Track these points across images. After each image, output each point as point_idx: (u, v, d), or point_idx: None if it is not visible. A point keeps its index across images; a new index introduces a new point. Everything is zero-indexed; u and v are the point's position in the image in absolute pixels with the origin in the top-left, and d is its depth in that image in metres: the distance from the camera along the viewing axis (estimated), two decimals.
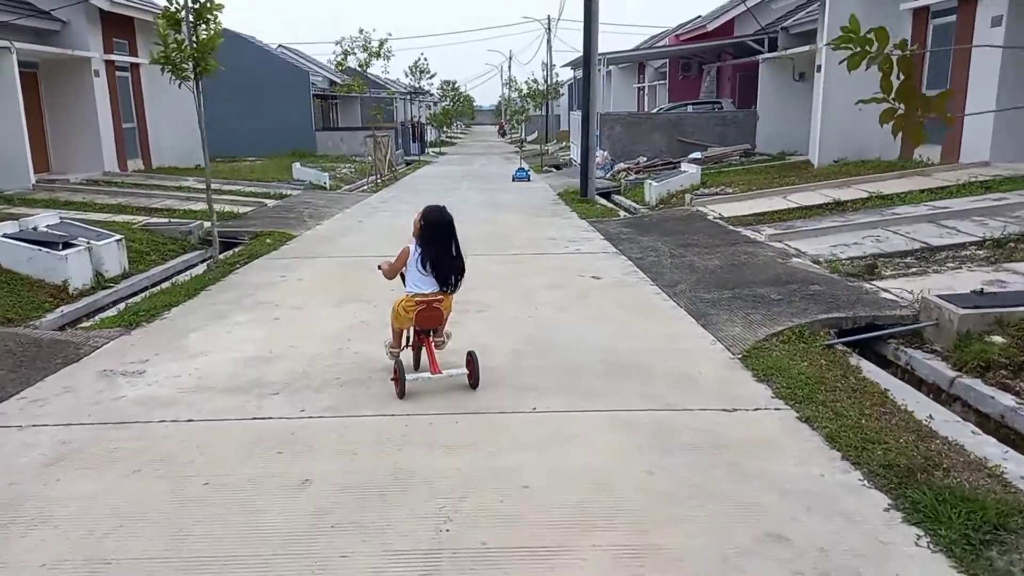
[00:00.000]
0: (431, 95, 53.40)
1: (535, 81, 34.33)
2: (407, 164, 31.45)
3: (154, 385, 4.90)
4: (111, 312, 7.48)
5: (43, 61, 17.15)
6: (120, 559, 2.95)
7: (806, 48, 18.88)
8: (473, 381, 4.74)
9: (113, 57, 18.14)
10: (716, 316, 6.25)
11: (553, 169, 28.53)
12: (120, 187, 16.61)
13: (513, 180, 22.08)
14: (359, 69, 21.08)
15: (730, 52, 25.91)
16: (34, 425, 4.26)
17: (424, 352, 4.94)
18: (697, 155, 21.32)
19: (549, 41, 53.23)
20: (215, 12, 8.21)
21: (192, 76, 8.50)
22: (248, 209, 14.83)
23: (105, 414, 4.40)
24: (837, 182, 12.44)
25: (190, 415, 4.36)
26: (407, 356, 5.05)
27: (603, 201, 16.72)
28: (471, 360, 4.76)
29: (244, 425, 4.21)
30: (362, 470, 3.69)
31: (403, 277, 4.97)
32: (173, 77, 8.56)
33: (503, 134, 69.33)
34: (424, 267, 4.77)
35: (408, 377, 4.65)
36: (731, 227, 10.37)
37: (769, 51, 22.22)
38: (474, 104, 76.11)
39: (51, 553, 2.99)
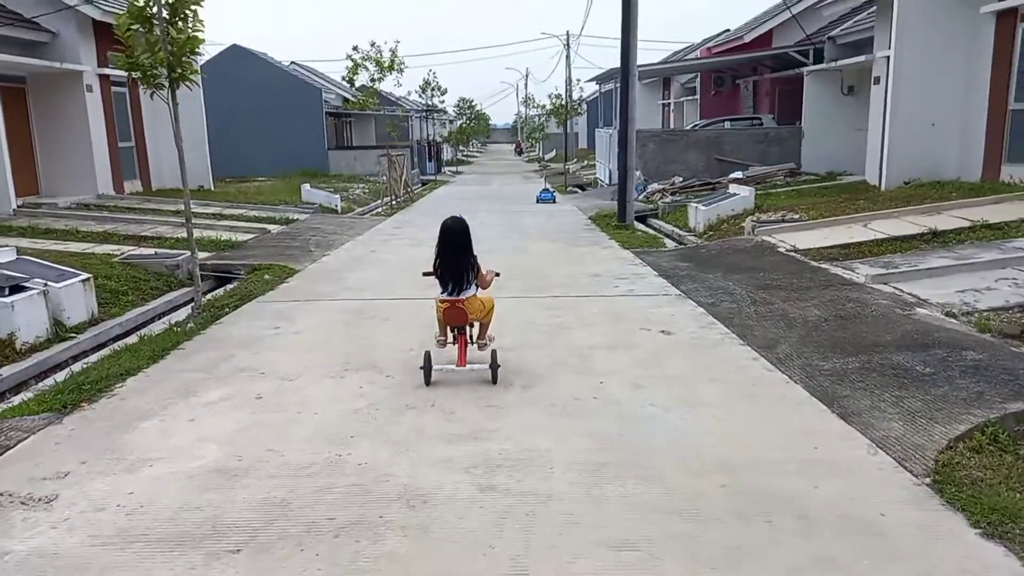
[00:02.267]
0: (446, 113, 52.16)
1: (559, 96, 32.75)
2: (423, 184, 30.01)
3: (61, 527, 3.28)
4: (58, 378, 5.91)
5: (32, 75, 15.81)
6: None
7: (861, 58, 17.22)
8: (493, 376, 5.14)
9: (108, 71, 16.79)
10: (853, 400, 4.56)
11: (578, 190, 26.94)
12: (112, 211, 15.18)
13: (537, 202, 20.50)
14: (371, 84, 19.65)
15: (768, 65, 24.29)
16: None
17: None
18: (738, 175, 19.68)
19: (568, 57, 51.83)
20: (193, 7, 6.69)
21: (166, 85, 6.97)
22: (249, 237, 13.32)
23: None
24: (922, 208, 10.73)
25: None
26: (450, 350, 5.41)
27: (642, 227, 15.07)
28: (493, 357, 5.19)
29: None
30: None
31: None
32: (144, 87, 7.04)
33: (520, 153, 68.06)
34: (441, 274, 5.27)
35: (435, 367, 5.18)
36: (814, 263, 8.68)
37: (815, 63, 20.58)
38: (489, 123, 74.94)
39: None
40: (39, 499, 3.55)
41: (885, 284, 7.36)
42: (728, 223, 12.96)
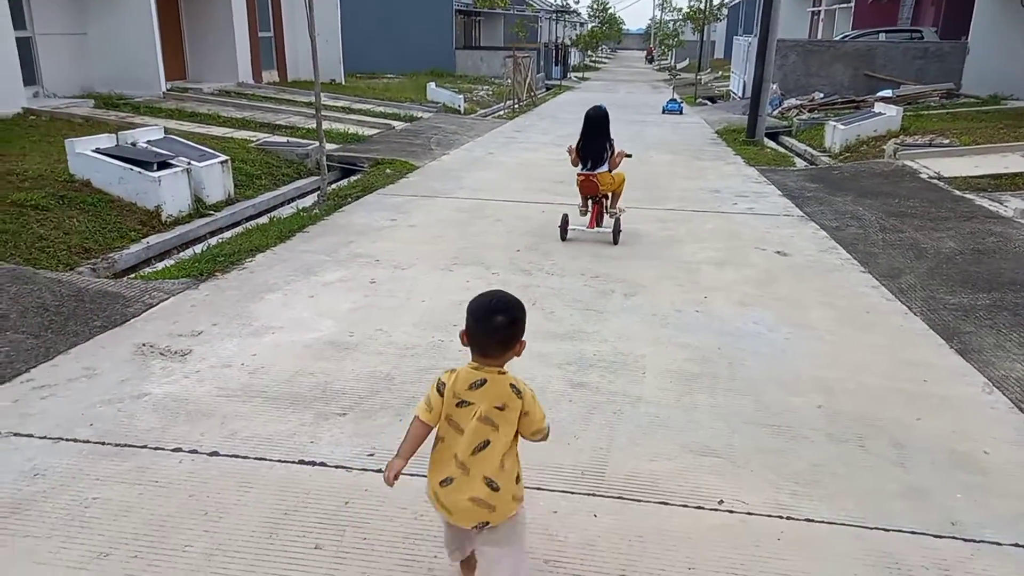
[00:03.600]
0: (578, 14, 50.39)
1: None
2: (547, 89, 29.48)
3: (193, 377, 3.67)
4: (196, 249, 6.43)
5: None
6: None
7: None
8: (615, 238, 6.31)
9: None
10: (977, 337, 4.29)
11: (708, 102, 25.72)
12: (250, 99, 15.90)
13: (663, 112, 19.78)
14: None
15: None
16: (15, 435, 3.11)
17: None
18: (887, 92, 18.13)
19: None
20: None
21: None
22: (374, 132, 13.67)
23: (108, 427, 3.19)
24: None
25: (216, 445, 3.07)
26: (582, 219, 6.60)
27: (772, 144, 14.29)
28: (616, 223, 6.35)
29: (282, 477, 2.87)
30: None
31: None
32: None
33: (651, 60, 65.29)
34: (589, 153, 6.28)
35: (569, 227, 6.43)
36: (957, 192, 8.02)
37: None
38: (622, 27, 71.87)
39: None
40: (175, 352, 3.96)
41: None
42: (868, 145, 12.07)
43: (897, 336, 4.39)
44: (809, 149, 13.31)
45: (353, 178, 10.09)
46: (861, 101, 18.19)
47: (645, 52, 73.08)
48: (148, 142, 8.19)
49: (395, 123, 14.98)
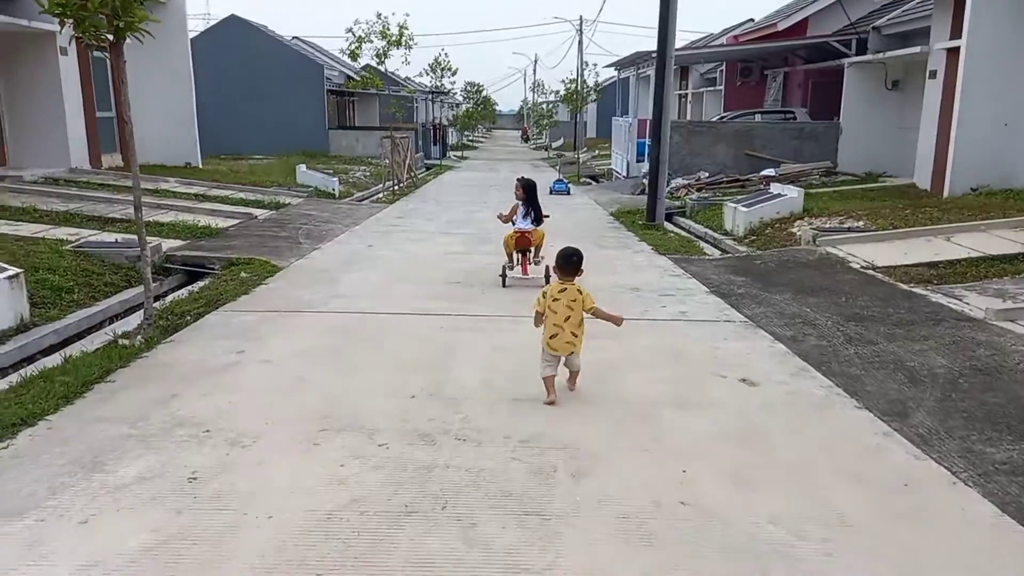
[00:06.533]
0: (454, 95, 50.34)
1: (573, 81, 31.06)
2: (427, 169, 28.40)
3: None
4: None
5: None
6: None
7: (915, 50, 15.64)
8: (546, 279, 7.23)
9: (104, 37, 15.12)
10: None
11: (592, 181, 25.37)
12: (82, 188, 13.61)
13: (551, 193, 18.92)
14: (377, 59, 17.99)
15: (801, 56, 22.65)
16: None
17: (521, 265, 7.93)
18: (770, 171, 18.13)
19: (580, 43, 50.11)
20: None
21: (110, 38, 5.42)
22: (232, 223, 11.77)
23: None
24: (1013, 221, 9.19)
25: None
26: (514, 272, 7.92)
27: (673, 228, 13.51)
28: (546, 269, 7.46)
29: None
30: None
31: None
32: (79, 37, 5.48)
33: (526, 139, 66.37)
34: (526, 213, 7.90)
35: (508, 274, 7.80)
36: (903, 286, 7.17)
37: (858, 54, 18.95)
38: (495, 108, 73.17)
39: None
40: None
41: (1013, 322, 5.84)
42: (773, 228, 11.42)
43: (967, 534, 3.08)
44: (710, 232, 12.58)
45: (198, 285, 8.18)
46: (746, 180, 18.08)
47: (520, 132, 74.54)
48: None
49: (258, 211, 13.13)
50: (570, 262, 4.55)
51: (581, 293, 4.47)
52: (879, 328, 5.87)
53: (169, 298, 7.69)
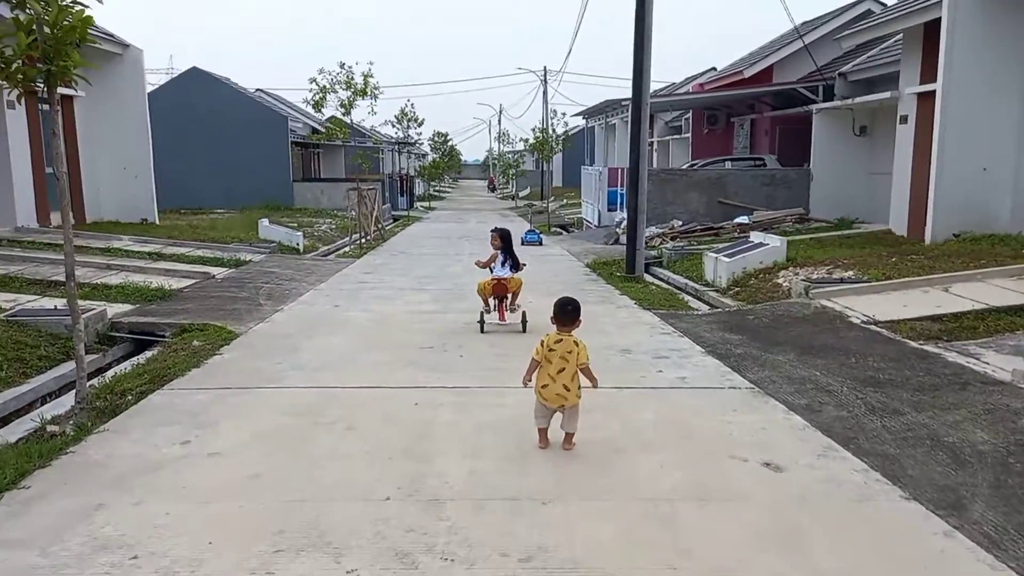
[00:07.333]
0: (420, 145, 50.24)
1: (542, 131, 31.00)
2: (394, 220, 27.86)
3: None
4: None
5: None
6: None
7: (885, 95, 15.65)
8: (523, 326, 7.81)
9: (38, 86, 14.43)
10: None
11: (562, 231, 25.01)
12: (25, 248, 12.76)
13: (523, 244, 18.45)
14: (342, 109, 17.52)
15: (767, 102, 22.81)
16: None
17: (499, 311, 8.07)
18: (744, 219, 17.95)
19: (545, 93, 50.68)
20: None
21: (40, 84, 4.81)
22: (187, 284, 11.00)
23: None
24: (1009, 269, 8.87)
25: None
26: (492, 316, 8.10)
27: (653, 280, 13.06)
28: (523, 315, 7.90)
29: None
30: None
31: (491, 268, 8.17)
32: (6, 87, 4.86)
33: (493, 189, 66.51)
34: (504, 261, 8.05)
35: (486, 319, 7.90)
36: (912, 343, 6.70)
37: (825, 100, 19.03)
38: (461, 159, 73.53)
39: None
40: None
41: None
42: (758, 278, 11.01)
43: None
44: (691, 283, 12.15)
45: (145, 356, 7.42)
46: (719, 228, 17.85)
47: (487, 181, 74.76)
48: None
49: (217, 270, 12.38)
50: (566, 312, 4.48)
51: (577, 346, 4.41)
52: (901, 395, 5.34)
53: (111, 372, 6.93)
